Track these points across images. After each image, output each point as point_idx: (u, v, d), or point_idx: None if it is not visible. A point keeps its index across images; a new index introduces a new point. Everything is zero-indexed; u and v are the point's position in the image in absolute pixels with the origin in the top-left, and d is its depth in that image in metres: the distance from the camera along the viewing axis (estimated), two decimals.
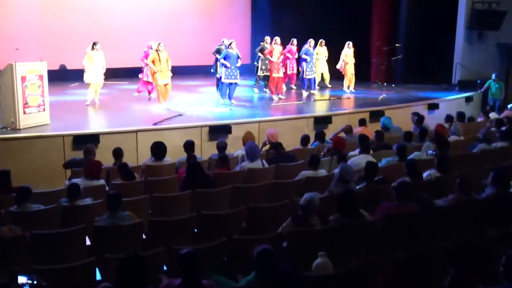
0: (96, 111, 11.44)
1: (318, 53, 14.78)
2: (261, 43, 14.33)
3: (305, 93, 13.83)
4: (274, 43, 13.25)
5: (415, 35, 16.53)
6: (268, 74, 13.90)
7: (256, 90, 14.46)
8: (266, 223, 5.22)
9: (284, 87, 14.16)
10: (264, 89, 14.30)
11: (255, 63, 14.32)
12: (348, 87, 14.78)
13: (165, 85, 11.40)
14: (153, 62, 11.23)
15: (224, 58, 12.17)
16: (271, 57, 13.13)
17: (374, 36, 16.99)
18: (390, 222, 4.79)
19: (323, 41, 15.06)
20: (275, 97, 12.95)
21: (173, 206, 5.76)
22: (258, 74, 14.25)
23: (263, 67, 14.05)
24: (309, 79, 14.04)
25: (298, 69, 14.63)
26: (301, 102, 12.84)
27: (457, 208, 5.00)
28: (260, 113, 11.33)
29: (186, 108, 11.41)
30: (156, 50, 11.17)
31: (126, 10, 17.08)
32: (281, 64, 13.38)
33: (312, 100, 13.13)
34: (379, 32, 16.90)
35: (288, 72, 14.74)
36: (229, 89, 12.25)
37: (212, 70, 13.77)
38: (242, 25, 19.03)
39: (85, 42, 12.52)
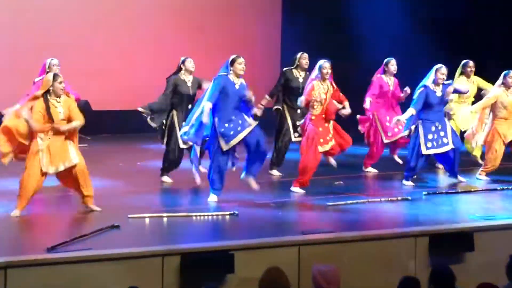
0: None
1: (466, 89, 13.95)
2: (285, 70, 13.40)
3: (458, 179, 12.74)
4: (317, 81, 11.65)
5: None
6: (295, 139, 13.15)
7: (274, 172, 13.55)
8: None
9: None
10: (269, 171, 13.46)
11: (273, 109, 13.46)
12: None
13: (57, 175, 10.17)
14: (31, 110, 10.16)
15: (218, 92, 11.05)
16: (309, 107, 11.64)
17: None
18: None
19: (472, 65, 14.33)
20: (298, 190, 11.62)
21: None
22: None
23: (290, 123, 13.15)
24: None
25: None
26: (399, 198, 11.62)
27: None
28: (299, 223, 10.39)
29: (128, 209, 10.29)
30: (42, 95, 10.05)
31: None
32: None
33: (428, 193, 11.89)
34: None
35: (386, 137, 13.73)
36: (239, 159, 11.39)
37: (158, 137, 13.09)
38: (266, 27, 19.92)
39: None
